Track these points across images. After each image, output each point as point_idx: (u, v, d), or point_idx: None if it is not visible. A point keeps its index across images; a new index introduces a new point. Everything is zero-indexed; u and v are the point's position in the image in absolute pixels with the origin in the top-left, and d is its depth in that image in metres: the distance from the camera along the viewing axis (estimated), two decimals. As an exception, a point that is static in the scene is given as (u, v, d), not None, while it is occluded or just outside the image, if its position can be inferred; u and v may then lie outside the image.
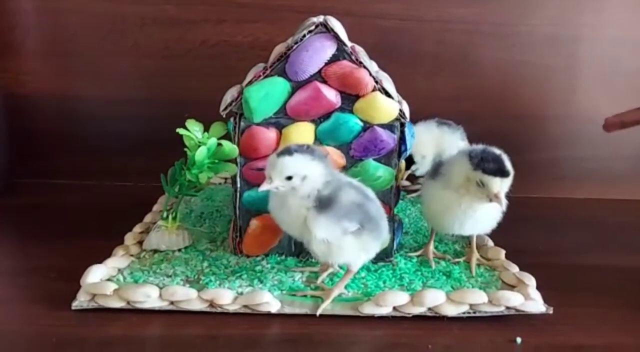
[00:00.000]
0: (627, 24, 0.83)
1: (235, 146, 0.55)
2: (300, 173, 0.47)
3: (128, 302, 0.48)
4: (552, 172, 0.87)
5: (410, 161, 0.73)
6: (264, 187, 0.47)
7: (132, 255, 0.57)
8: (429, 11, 0.82)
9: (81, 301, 0.48)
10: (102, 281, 0.51)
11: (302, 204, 0.48)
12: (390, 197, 0.57)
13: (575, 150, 0.87)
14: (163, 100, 0.83)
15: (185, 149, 0.55)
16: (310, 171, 0.47)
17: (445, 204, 0.53)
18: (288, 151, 0.47)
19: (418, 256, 0.59)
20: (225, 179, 0.83)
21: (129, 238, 0.60)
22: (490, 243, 0.62)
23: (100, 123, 0.84)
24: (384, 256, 0.56)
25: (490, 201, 0.51)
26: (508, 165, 0.51)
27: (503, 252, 0.59)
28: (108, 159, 0.84)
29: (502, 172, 0.50)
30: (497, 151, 0.52)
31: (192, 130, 0.55)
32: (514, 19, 0.82)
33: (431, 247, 0.60)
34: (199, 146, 0.54)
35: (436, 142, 0.74)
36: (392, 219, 0.57)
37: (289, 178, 0.47)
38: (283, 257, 0.58)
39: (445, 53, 0.83)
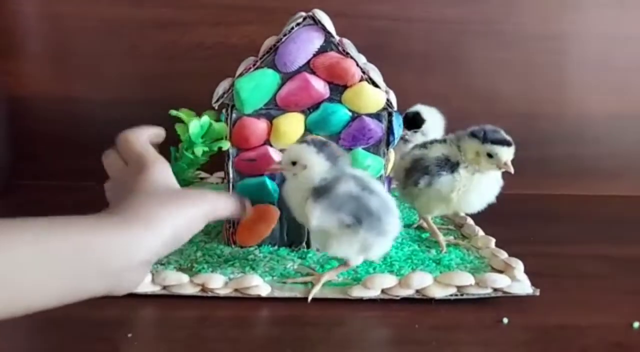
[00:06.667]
0: (613, 20, 0.85)
1: (224, 125, 0.56)
2: (302, 162, 0.49)
3: (121, 287, 0.49)
4: (542, 169, 0.87)
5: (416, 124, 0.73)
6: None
7: (126, 245, 0.58)
8: (418, 11, 0.84)
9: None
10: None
11: (302, 193, 0.49)
12: (380, 186, 0.58)
13: (566, 148, 0.88)
14: (160, 102, 0.83)
15: (178, 134, 0.56)
16: (311, 163, 0.49)
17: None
18: (304, 140, 0.51)
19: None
20: (223, 178, 0.85)
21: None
22: (481, 232, 0.63)
23: (99, 124, 0.85)
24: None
25: (500, 169, 0.55)
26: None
27: (493, 240, 0.60)
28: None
29: (507, 142, 0.55)
30: (491, 126, 0.57)
31: (187, 120, 0.56)
32: (501, 18, 0.84)
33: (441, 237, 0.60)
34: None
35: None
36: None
37: (294, 163, 0.49)
38: (276, 247, 0.59)
39: (434, 52, 0.85)
